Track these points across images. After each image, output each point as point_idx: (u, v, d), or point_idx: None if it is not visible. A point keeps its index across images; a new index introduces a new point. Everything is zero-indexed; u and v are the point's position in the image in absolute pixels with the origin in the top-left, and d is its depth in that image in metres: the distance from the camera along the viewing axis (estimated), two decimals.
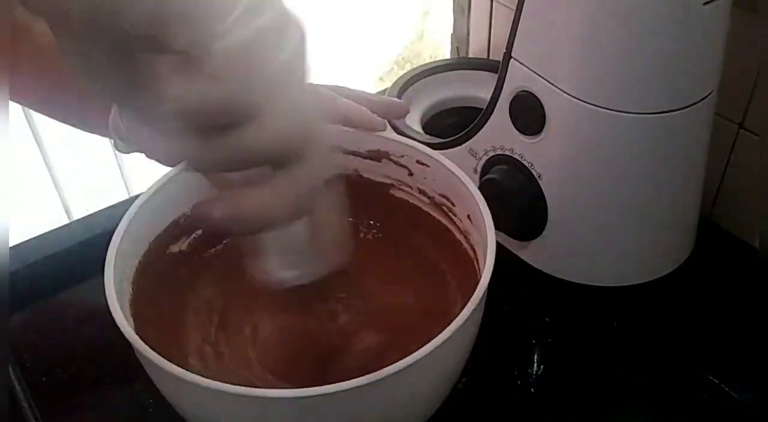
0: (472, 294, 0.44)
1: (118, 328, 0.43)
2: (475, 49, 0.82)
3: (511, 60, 0.55)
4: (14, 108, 0.75)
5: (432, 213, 0.56)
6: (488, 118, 0.59)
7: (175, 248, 0.53)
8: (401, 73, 0.76)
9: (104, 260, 0.45)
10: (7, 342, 0.53)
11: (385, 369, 0.40)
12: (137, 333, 0.43)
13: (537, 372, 0.56)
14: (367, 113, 0.52)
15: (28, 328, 0.60)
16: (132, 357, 0.43)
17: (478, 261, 0.51)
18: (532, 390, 0.55)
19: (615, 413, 0.54)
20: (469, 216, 0.52)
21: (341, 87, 0.54)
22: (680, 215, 0.60)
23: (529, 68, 0.54)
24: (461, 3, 0.81)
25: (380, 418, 0.44)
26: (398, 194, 0.58)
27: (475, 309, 0.43)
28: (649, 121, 0.52)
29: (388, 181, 0.58)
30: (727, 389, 0.54)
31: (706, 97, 0.53)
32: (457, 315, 0.43)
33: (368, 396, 0.41)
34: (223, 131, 0.26)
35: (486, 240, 0.48)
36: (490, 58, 0.80)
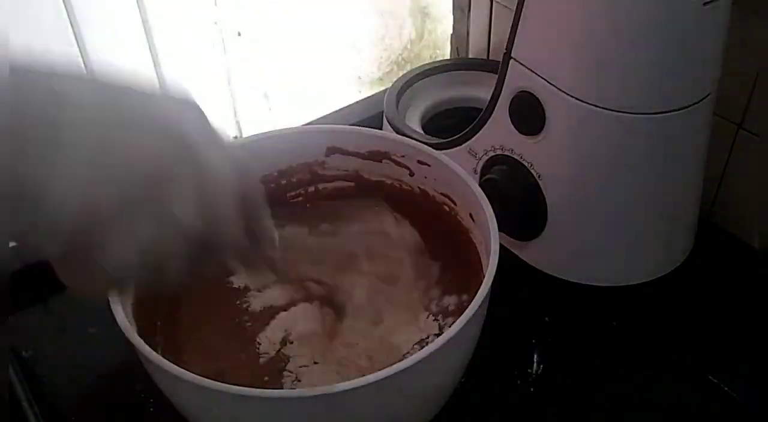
0: (475, 291, 0.44)
1: (119, 328, 0.43)
2: (475, 49, 0.82)
3: (511, 60, 0.55)
4: None
5: (434, 211, 0.56)
6: (488, 118, 0.59)
7: None
8: (401, 73, 0.76)
9: None
10: (7, 340, 0.53)
11: (387, 369, 0.40)
12: (138, 333, 0.43)
13: (537, 372, 0.56)
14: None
15: (29, 327, 0.60)
16: (133, 355, 0.43)
17: (480, 258, 0.51)
18: (532, 390, 0.55)
19: (615, 413, 0.54)
20: (471, 214, 0.53)
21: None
22: (680, 215, 0.60)
23: (528, 68, 0.54)
24: (461, 3, 0.81)
25: (384, 418, 0.44)
26: (399, 194, 0.58)
27: (478, 308, 0.43)
28: (649, 121, 0.52)
29: (389, 181, 0.58)
30: (727, 389, 0.54)
31: (706, 97, 0.53)
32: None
33: (370, 396, 0.41)
34: None
35: (489, 238, 0.48)
36: (490, 58, 0.80)
